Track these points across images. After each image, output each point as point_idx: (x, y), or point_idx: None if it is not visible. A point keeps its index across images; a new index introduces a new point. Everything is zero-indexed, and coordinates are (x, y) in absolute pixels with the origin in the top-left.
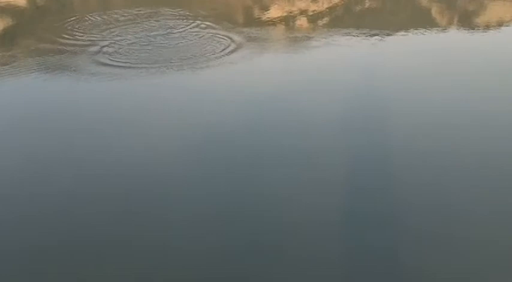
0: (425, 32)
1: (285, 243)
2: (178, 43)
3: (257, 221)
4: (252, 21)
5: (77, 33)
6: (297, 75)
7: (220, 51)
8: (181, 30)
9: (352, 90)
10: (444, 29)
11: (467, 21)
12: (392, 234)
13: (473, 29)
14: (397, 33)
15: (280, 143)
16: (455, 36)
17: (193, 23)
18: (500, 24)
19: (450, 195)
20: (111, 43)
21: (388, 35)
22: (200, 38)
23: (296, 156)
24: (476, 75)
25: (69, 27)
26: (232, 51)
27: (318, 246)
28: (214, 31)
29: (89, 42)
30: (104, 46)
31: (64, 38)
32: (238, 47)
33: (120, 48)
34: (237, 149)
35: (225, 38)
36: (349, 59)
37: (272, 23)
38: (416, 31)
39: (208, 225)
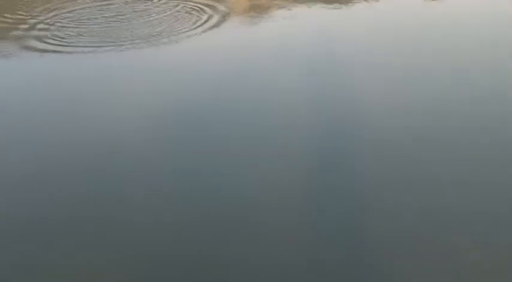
0: None
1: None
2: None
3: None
4: None
5: (20, 10)
6: (262, 46)
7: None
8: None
9: (321, 59)
10: None
11: None
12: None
13: None
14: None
15: (249, 120)
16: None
17: None
18: None
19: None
20: (58, 21)
21: (348, 2)
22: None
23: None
24: (434, 38)
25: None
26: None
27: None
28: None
29: (32, 20)
30: (49, 23)
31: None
32: (202, 19)
33: (71, 27)
34: (204, 130)
35: (191, 9)
36: (316, 27)
37: None
38: None
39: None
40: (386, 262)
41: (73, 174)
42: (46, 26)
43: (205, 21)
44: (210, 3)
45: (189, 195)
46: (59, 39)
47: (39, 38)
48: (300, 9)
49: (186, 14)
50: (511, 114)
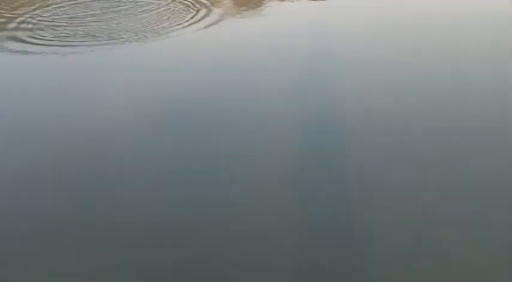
0: None
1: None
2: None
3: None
4: None
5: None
6: (255, 42)
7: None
8: None
9: (316, 55)
10: None
11: None
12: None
13: None
14: None
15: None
16: None
17: None
18: None
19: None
20: (41, 18)
21: None
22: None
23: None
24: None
25: None
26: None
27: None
28: None
29: (14, 18)
30: (31, 21)
31: None
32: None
33: (56, 24)
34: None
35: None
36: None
37: None
38: None
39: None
40: (385, 262)
41: (56, 175)
42: (28, 25)
43: (195, 17)
44: None
45: (184, 194)
46: (44, 37)
47: (20, 37)
48: (293, 3)
49: (178, 8)
50: (511, 114)
